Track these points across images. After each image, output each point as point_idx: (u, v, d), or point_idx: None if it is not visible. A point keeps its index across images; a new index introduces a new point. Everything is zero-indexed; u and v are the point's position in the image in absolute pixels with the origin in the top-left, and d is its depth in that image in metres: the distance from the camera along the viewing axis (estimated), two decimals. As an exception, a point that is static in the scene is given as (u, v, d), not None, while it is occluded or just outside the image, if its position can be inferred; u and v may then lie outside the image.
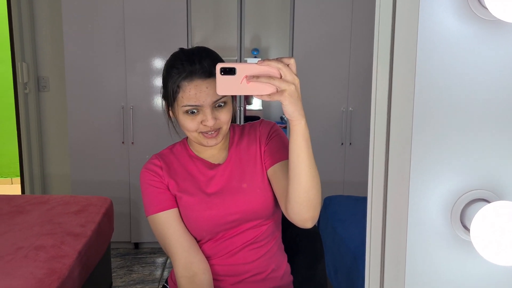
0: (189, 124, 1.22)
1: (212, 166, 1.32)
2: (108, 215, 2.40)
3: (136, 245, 3.40)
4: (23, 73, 3.39)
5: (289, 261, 1.42)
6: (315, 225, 1.24)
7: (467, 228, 0.64)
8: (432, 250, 0.65)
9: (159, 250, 3.32)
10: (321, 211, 1.21)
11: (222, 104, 1.22)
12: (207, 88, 1.19)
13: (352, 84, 3.25)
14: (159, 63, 3.19)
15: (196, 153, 1.34)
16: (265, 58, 0.99)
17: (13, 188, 4.89)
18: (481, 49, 0.62)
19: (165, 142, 1.49)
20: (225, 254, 1.31)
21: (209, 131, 1.22)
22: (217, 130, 1.24)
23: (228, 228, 1.28)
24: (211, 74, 1.19)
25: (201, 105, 1.20)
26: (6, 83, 4.62)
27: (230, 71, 0.94)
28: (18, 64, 3.38)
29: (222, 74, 0.94)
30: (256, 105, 3.69)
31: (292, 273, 1.42)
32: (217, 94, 1.02)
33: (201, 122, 1.21)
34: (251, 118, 3.54)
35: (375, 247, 0.70)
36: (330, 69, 3.23)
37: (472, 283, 0.66)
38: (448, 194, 0.64)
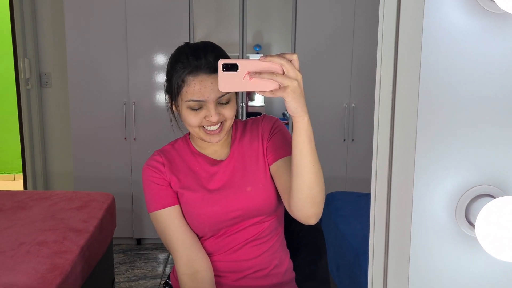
0: (192, 119, 1.21)
1: (214, 162, 1.31)
2: (111, 211, 2.40)
3: (138, 241, 3.41)
4: (25, 69, 3.39)
5: (291, 257, 1.42)
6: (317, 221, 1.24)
7: (472, 224, 0.63)
8: (437, 246, 0.65)
9: (161, 246, 3.32)
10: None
11: (226, 101, 1.22)
12: (211, 83, 1.18)
13: (355, 80, 3.24)
14: (161, 59, 3.18)
15: (198, 149, 1.34)
16: (267, 54, 0.98)
17: (16, 184, 4.89)
18: (487, 43, 0.61)
19: (167, 138, 1.48)
20: (227, 250, 1.30)
21: (212, 125, 1.22)
22: (220, 125, 1.23)
23: (230, 224, 1.28)
24: (216, 70, 1.18)
25: (205, 100, 1.19)
26: (8, 79, 4.62)
27: (232, 67, 0.93)
28: (20, 60, 3.37)
29: (224, 71, 0.93)
30: (258, 101, 3.68)
31: (294, 269, 1.41)
32: None
33: (205, 118, 1.21)
34: (253, 114, 3.53)
35: (379, 243, 0.70)
36: (332, 65, 3.22)
37: (477, 280, 0.65)
38: (453, 189, 0.64)
